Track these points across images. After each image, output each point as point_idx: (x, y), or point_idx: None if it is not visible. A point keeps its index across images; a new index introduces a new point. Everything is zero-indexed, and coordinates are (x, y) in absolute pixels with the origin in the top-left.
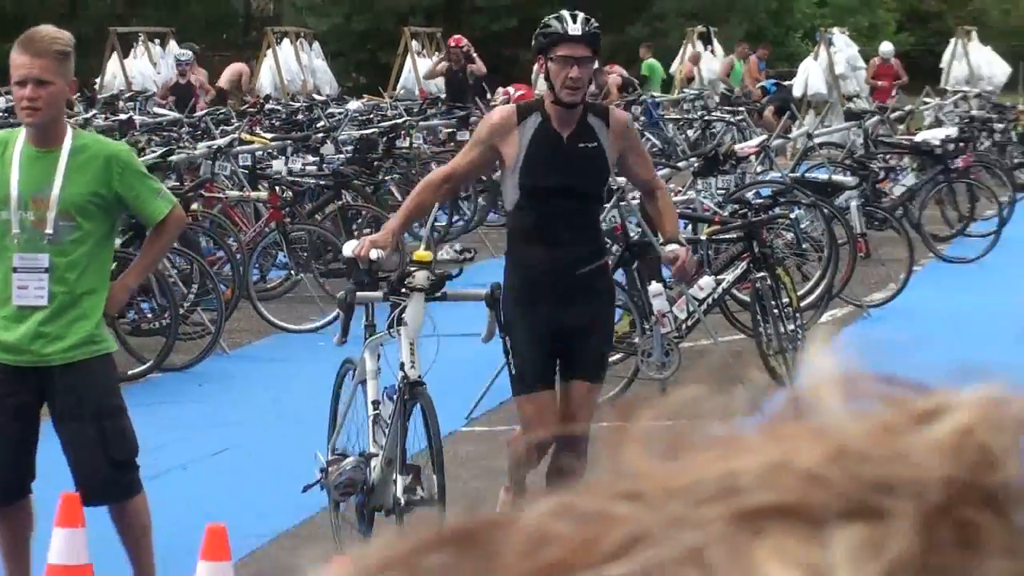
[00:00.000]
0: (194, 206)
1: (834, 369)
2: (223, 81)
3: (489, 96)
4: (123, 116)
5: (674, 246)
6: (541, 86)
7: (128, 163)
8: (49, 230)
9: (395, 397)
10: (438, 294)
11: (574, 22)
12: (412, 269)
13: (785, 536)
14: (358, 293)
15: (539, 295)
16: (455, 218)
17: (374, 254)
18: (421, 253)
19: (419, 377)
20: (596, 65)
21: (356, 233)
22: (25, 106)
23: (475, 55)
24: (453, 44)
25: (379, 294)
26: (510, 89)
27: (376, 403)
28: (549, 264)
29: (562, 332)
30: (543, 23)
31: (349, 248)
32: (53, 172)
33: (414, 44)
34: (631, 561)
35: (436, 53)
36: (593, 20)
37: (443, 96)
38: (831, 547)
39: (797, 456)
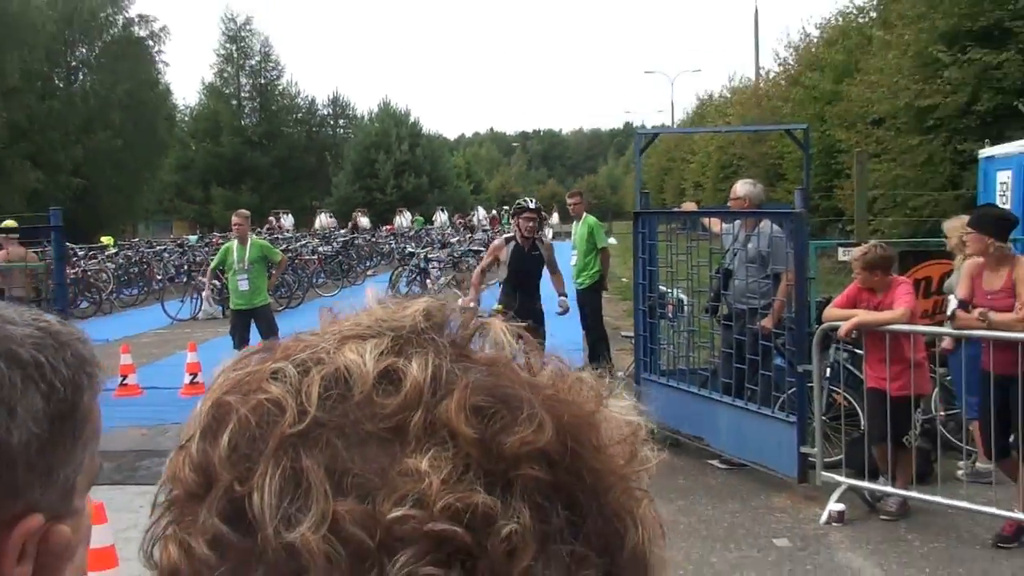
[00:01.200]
0: (295, 260)
1: (376, 296)
2: (316, 226)
3: (379, 228)
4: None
5: (562, 298)
6: (398, 223)
7: (267, 246)
8: (246, 267)
9: None
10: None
11: (529, 202)
12: (496, 309)
13: (355, 344)
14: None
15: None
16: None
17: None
18: (498, 306)
19: None
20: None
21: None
22: (236, 232)
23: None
24: (360, 215)
25: None
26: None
27: None
28: (515, 300)
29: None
30: (517, 202)
31: (460, 302)
32: (246, 251)
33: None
34: (306, 352)
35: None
36: (537, 200)
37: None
38: (366, 346)
39: (362, 321)
